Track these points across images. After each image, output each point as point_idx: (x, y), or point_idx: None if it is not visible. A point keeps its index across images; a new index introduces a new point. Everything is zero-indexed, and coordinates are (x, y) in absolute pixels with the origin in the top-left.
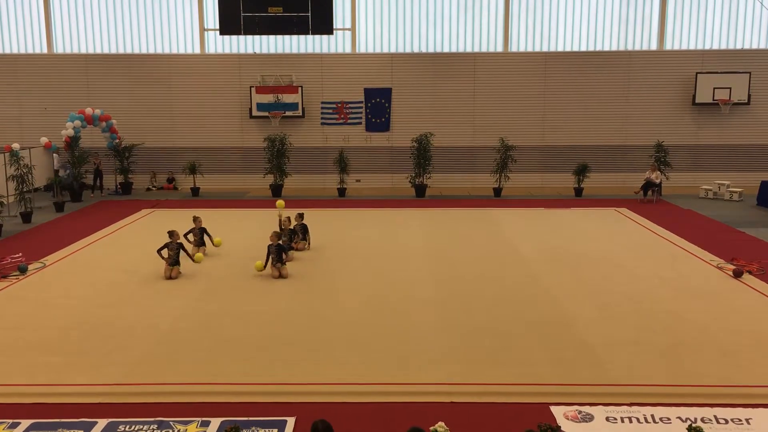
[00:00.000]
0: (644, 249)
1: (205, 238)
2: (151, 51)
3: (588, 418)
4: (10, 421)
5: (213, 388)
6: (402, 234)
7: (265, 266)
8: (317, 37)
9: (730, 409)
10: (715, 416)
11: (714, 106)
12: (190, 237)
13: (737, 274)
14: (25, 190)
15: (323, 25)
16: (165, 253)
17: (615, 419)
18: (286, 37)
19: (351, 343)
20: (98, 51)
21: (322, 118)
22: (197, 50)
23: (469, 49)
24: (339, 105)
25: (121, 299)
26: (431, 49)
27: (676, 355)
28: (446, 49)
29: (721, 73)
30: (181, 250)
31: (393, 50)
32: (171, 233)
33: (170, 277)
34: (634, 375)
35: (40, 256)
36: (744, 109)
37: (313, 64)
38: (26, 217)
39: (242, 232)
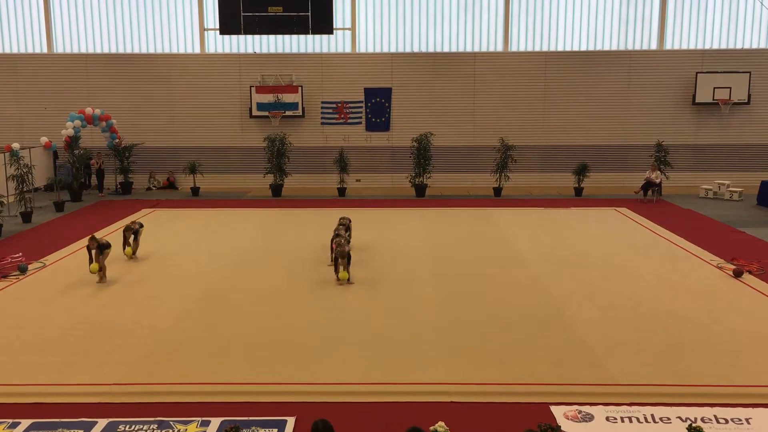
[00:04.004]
0: (644, 249)
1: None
2: (151, 51)
3: (588, 417)
4: (10, 420)
5: (213, 387)
6: (402, 234)
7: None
8: (317, 36)
9: (730, 408)
10: (715, 416)
11: (714, 105)
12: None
13: (737, 274)
14: (25, 189)
15: (323, 24)
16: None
17: (615, 419)
18: (286, 36)
19: (351, 342)
20: (98, 51)
21: (322, 118)
22: (197, 50)
23: (469, 49)
24: (339, 105)
25: (121, 299)
26: (431, 49)
27: (676, 355)
28: (446, 49)
29: (721, 72)
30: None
31: (393, 50)
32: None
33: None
34: (634, 375)
35: (40, 256)
36: (744, 109)
37: (313, 64)
38: (26, 217)
39: (242, 232)
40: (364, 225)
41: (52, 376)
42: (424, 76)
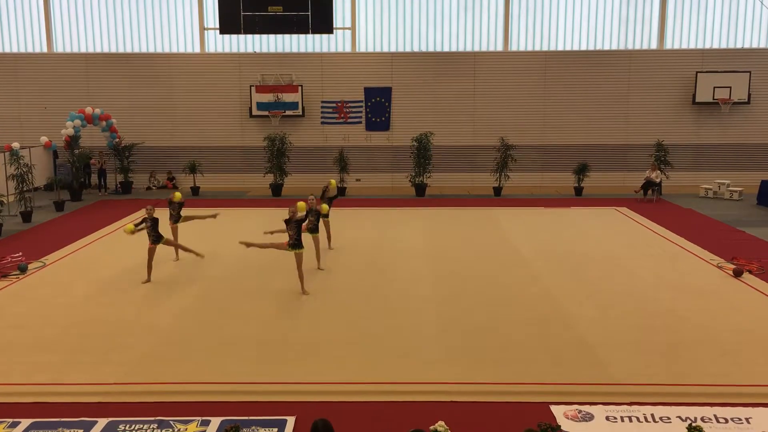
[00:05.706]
0: (644, 248)
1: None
2: (151, 51)
3: (588, 417)
4: (10, 420)
5: (213, 387)
6: (402, 233)
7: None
8: (317, 36)
9: (730, 408)
10: (715, 415)
11: (714, 105)
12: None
13: (737, 274)
14: (25, 189)
15: (323, 24)
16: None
17: (615, 418)
18: (286, 36)
19: (351, 342)
20: (98, 51)
21: (322, 118)
22: (197, 50)
23: (469, 49)
24: (339, 104)
25: (121, 298)
26: (431, 49)
27: (676, 354)
28: (446, 49)
29: (721, 72)
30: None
31: (393, 49)
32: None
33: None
34: (634, 374)
35: (40, 256)
36: (744, 109)
37: (313, 64)
38: (26, 217)
39: (242, 231)
40: (364, 224)
41: (52, 376)
42: (424, 75)
